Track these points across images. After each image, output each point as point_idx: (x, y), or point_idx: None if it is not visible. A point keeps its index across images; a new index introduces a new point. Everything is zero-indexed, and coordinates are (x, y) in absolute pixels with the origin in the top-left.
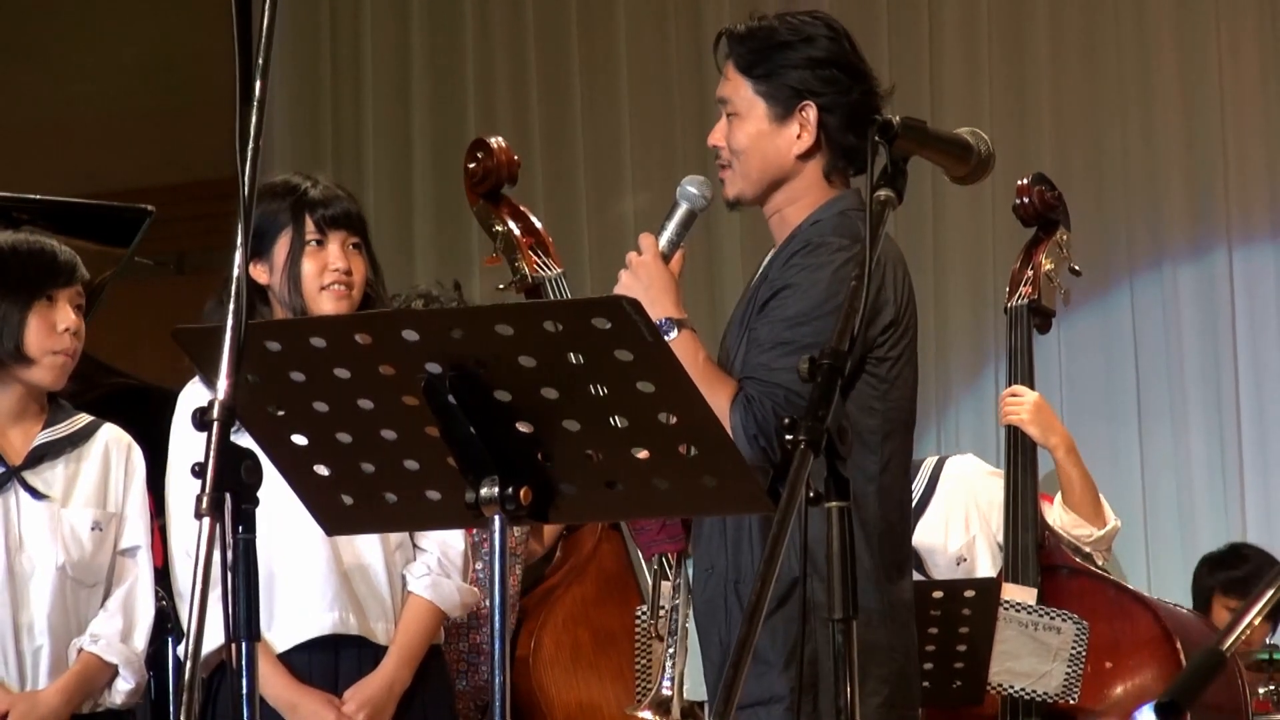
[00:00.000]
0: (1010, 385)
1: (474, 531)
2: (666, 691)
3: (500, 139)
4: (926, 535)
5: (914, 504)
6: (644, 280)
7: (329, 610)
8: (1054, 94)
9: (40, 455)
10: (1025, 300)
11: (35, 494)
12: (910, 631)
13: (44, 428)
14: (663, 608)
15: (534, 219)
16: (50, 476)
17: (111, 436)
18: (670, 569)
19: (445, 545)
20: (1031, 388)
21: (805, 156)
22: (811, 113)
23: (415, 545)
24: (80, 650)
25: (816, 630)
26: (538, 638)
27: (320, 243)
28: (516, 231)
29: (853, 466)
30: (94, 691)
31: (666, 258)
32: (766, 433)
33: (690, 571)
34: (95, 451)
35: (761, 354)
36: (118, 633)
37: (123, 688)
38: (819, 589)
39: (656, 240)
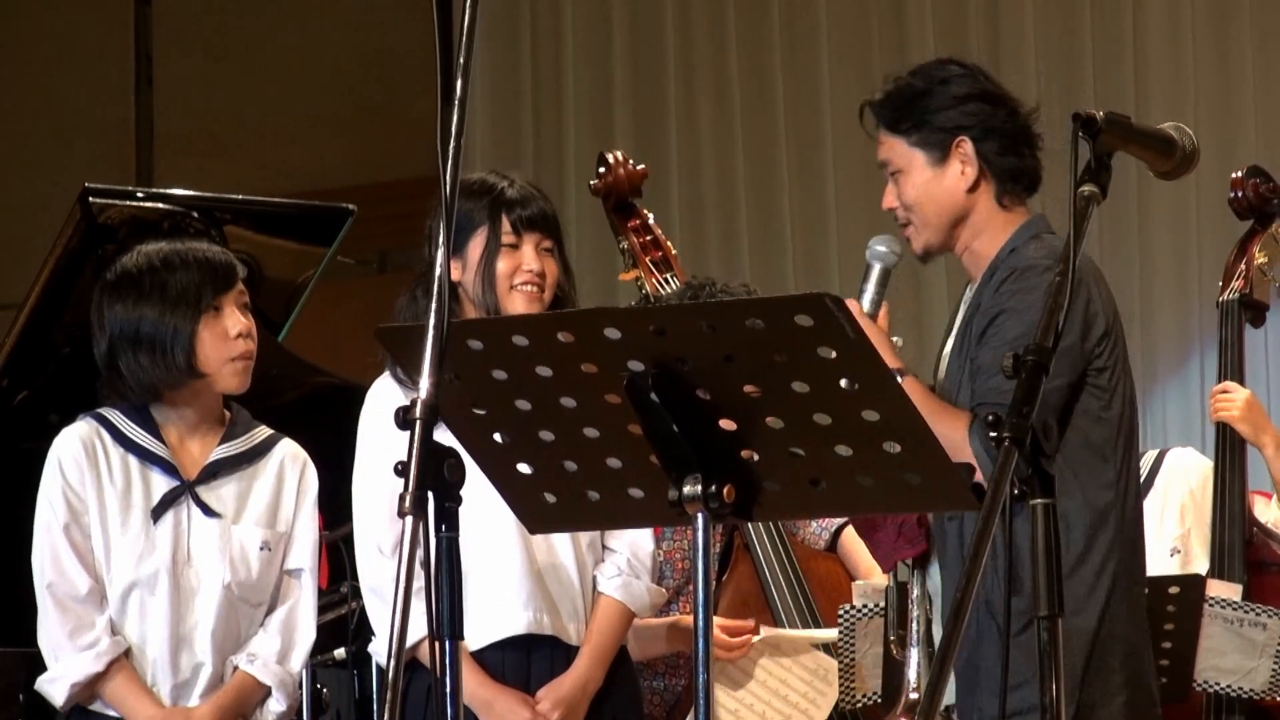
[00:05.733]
0: (1220, 381)
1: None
2: (916, 695)
3: (619, 152)
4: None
5: None
6: None
7: (523, 610)
8: (1260, 85)
9: (214, 471)
10: (1237, 294)
11: (207, 510)
12: (1148, 631)
13: (221, 441)
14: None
15: (659, 233)
16: (223, 493)
17: (288, 453)
18: (910, 577)
19: (635, 546)
20: (1242, 383)
21: (973, 189)
22: (967, 145)
23: (605, 545)
24: (236, 668)
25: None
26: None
27: (515, 244)
28: (639, 247)
29: (1091, 477)
30: (246, 710)
31: (872, 317)
32: None
33: (930, 582)
34: (269, 469)
35: (990, 379)
36: (275, 653)
37: (274, 709)
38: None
39: (859, 303)
